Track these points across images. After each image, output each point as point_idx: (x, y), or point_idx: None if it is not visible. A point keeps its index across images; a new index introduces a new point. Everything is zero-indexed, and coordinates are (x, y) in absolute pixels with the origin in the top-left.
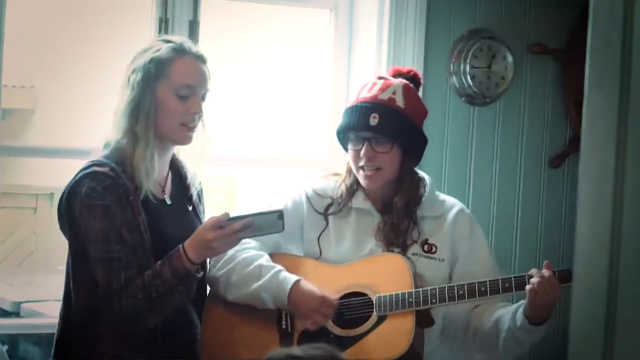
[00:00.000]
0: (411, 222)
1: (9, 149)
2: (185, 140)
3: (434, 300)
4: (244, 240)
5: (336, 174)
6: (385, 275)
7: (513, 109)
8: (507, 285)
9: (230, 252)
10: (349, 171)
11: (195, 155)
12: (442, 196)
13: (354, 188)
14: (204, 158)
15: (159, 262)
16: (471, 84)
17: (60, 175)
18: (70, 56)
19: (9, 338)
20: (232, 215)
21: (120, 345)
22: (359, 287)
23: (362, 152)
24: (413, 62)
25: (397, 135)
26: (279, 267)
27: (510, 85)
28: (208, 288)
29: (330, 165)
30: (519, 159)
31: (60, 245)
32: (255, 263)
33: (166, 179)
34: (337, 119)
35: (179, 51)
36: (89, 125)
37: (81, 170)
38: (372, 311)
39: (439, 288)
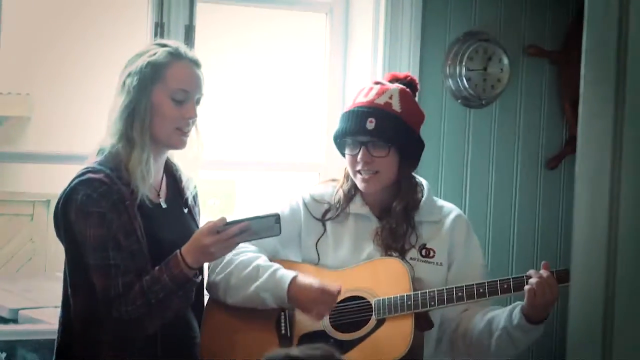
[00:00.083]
0: (409, 227)
1: (5, 155)
2: (179, 144)
3: (432, 303)
4: (242, 245)
5: (334, 180)
6: (383, 279)
7: (509, 111)
8: (505, 286)
9: (228, 257)
10: (347, 176)
11: (189, 160)
12: (440, 202)
13: (351, 193)
14: (197, 163)
15: (157, 267)
16: (467, 86)
17: (57, 181)
18: (66, 62)
19: (7, 344)
20: (228, 219)
21: (121, 350)
22: (357, 291)
23: (359, 157)
24: (409, 65)
25: (393, 140)
26: (276, 265)
27: (506, 88)
28: (206, 292)
29: (328, 169)
30: (516, 161)
31: (57, 252)
32: (253, 264)
33: (161, 183)
34: (334, 122)
35: (175, 55)
36: (85, 130)
37: (76, 178)
38: (371, 315)
39: (437, 290)
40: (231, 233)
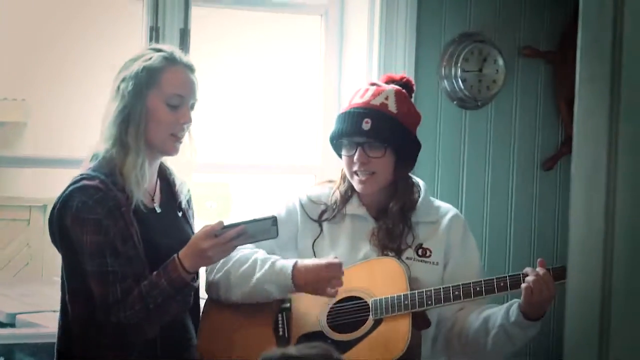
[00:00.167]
0: (405, 227)
1: (1, 159)
2: (172, 151)
3: (429, 302)
4: (239, 247)
5: (330, 181)
6: (380, 279)
7: (505, 112)
8: (502, 284)
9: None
10: (343, 177)
11: (182, 164)
12: (437, 202)
13: (348, 194)
14: (191, 167)
15: (155, 272)
16: (462, 87)
17: (53, 186)
18: (61, 67)
19: (5, 349)
20: (225, 223)
21: (121, 353)
22: (354, 292)
23: (355, 157)
24: (404, 67)
25: (389, 140)
26: (274, 257)
27: (501, 89)
28: (202, 295)
29: (324, 172)
30: (512, 162)
31: (54, 257)
32: (252, 259)
33: (155, 187)
34: (329, 125)
35: (170, 60)
36: (82, 135)
37: (71, 185)
38: (369, 315)
39: (434, 289)
40: (228, 237)
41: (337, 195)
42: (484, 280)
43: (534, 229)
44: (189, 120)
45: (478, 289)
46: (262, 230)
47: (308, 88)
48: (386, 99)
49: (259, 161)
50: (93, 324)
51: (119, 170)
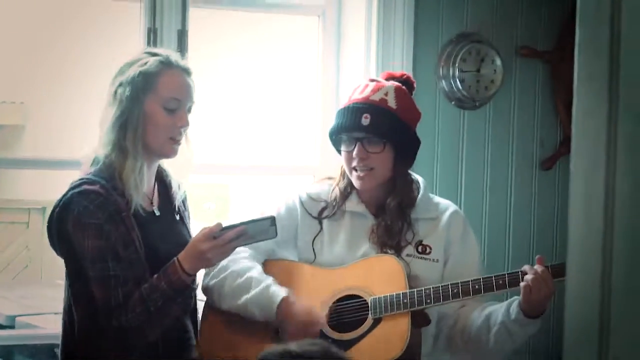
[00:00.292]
0: (405, 224)
1: (0, 161)
2: (171, 153)
3: (428, 300)
4: (239, 249)
5: (330, 178)
6: (379, 277)
7: (503, 112)
8: (500, 282)
9: (224, 262)
10: (343, 174)
11: (179, 166)
12: (437, 198)
13: (347, 191)
14: (188, 170)
15: (155, 275)
16: (460, 87)
17: (52, 189)
18: (59, 70)
19: (5, 350)
20: (224, 224)
21: (122, 357)
22: (354, 290)
23: (354, 153)
24: (402, 67)
25: (388, 136)
26: (268, 280)
27: (499, 89)
28: (202, 296)
29: (322, 172)
30: (510, 162)
31: (53, 259)
32: (246, 275)
33: (153, 191)
34: (328, 125)
35: (167, 64)
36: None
37: (71, 189)
38: (368, 313)
39: (433, 288)
40: (227, 238)
41: (337, 191)
42: (482, 279)
43: (533, 228)
44: (186, 124)
45: (477, 287)
46: (261, 230)
47: (306, 89)
48: (386, 94)
49: (257, 162)
50: (95, 327)
51: (118, 175)
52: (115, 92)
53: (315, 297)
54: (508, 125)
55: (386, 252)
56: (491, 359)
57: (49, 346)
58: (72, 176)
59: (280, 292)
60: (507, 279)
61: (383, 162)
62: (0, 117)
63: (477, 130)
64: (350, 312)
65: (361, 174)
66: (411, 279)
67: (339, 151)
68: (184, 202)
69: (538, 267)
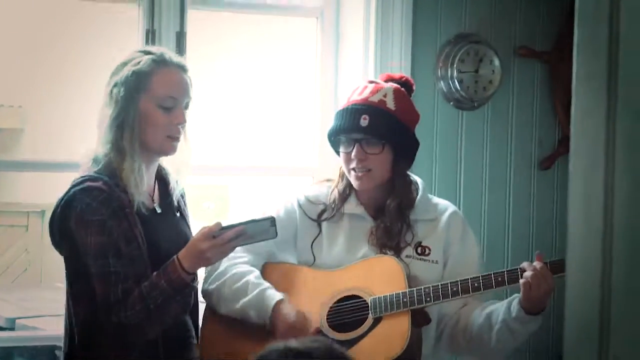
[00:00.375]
0: (404, 225)
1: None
2: (170, 151)
3: (428, 299)
4: (238, 255)
5: (328, 180)
6: (379, 277)
7: (501, 112)
8: (500, 279)
9: (223, 267)
10: (342, 176)
11: (177, 164)
12: (435, 199)
13: (346, 193)
14: (186, 169)
15: (155, 273)
16: (459, 88)
17: (51, 192)
18: (58, 72)
19: (5, 352)
20: (224, 224)
21: (122, 354)
22: (353, 291)
23: (353, 154)
24: (400, 68)
25: (387, 137)
26: (265, 284)
27: (497, 89)
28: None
29: (321, 173)
30: (509, 162)
31: (53, 262)
32: (244, 279)
33: (154, 189)
34: (326, 126)
35: (160, 62)
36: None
37: (73, 186)
38: (368, 313)
39: (432, 286)
40: (227, 237)
41: (336, 193)
42: (482, 276)
43: (532, 228)
44: (183, 121)
45: (476, 284)
46: (261, 230)
47: (305, 90)
48: (384, 96)
49: (256, 163)
50: (96, 327)
51: (119, 174)
52: (111, 92)
53: (315, 298)
54: (506, 125)
55: (385, 253)
56: (494, 357)
57: (49, 348)
58: (71, 178)
59: (275, 295)
60: (506, 276)
61: (382, 163)
62: None
63: (476, 130)
64: (350, 312)
65: (360, 174)
66: (411, 280)
67: (338, 152)
68: (182, 197)
69: (537, 264)
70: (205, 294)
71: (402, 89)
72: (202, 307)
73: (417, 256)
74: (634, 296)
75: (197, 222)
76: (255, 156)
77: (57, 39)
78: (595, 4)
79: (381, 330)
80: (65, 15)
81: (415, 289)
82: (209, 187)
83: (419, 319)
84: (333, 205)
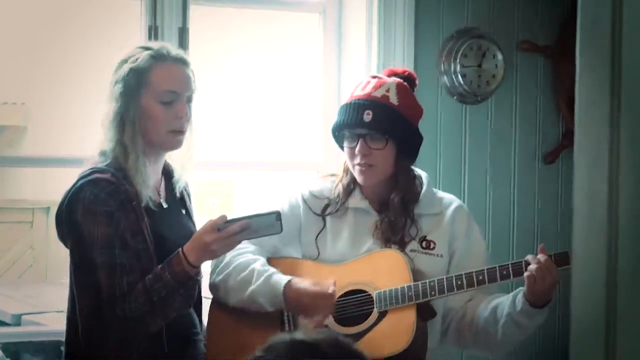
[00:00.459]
0: (408, 219)
1: (4, 159)
2: (176, 145)
3: (433, 293)
4: (242, 246)
5: (333, 175)
6: (383, 271)
7: (505, 106)
8: (504, 272)
9: (228, 258)
10: (346, 170)
11: (181, 157)
12: (440, 193)
13: (350, 187)
14: (190, 163)
15: (160, 266)
16: (462, 82)
17: (56, 188)
18: (60, 69)
19: (11, 347)
20: (229, 217)
21: (128, 348)
22: (358, 285)
23: (357, 149)
24: (403, 63)
25: (391, 132)
26: (271, 270)
27: (501, 83)
28: (207, 292)
29: (325, 168)
30: (513, 156)
31: (57, 258)
32: (249, 268)
33: (160, 183)
34: (330, 121)
35: (158, 58)
36: (82, 134)
37: (81, 178)
38: (373, 307)
39: (437, 280)
40: (232, 231)
41: (340, 188)
42: (486, 269)
43: (536, 222)
44: (185, 114)
45: (481, 277)
46: (266, 225)
47: (308, 85)
48: (387, 91)
49: (260, 158)
50: (99, 317)
51: (125, 169)
52: (113, 89)
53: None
54: (510, 119)
55: (390, 247)
56: (500, 351)
57: (55, 343)
58: (76, 174)
59: (282, 279)
60: (510, 269)
61: (385, 158)
62: (2, 118)
63: (480, 124)
64: (355, 307)
65: (364, 169)
66: (415, 274)
67: (342, 147)
68: (186, 189)
69: (541, 257)
70: (212, 286)
71: (405, 83)
72: (206, 303)
73: (422, 250)
74: (639, 288)
75: (202, 218)
76: (259, 151)
77: (60, 36)
78: None
79: (386, 324)
80: (68, 13)
81: (420, 282)
82: (214, 182)
83: (424, 312)
84: (337, 200)
